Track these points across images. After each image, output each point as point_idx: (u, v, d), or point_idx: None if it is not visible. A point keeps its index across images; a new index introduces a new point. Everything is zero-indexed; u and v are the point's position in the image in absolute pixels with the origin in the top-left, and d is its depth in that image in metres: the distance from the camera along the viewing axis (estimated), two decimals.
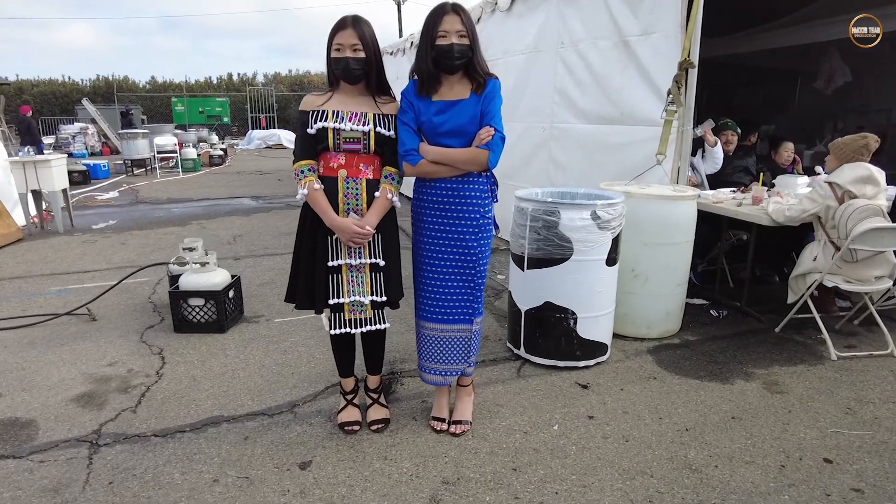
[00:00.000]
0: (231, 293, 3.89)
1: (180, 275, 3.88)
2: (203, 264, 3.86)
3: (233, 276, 4.00)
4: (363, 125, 2.37)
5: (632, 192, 3.52)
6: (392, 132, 2.40)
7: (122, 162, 14.74)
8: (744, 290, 4.20)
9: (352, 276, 2.48)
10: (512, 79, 5.89)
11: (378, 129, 2.39)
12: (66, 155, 8.76)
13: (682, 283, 3.68)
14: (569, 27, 4.99)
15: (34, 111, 22.41)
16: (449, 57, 2.26)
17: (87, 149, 18.95)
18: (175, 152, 14.46)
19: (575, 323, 3.14)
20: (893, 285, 3.81)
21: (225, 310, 3.76)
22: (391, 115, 2.43)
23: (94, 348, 3.58)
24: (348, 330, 2.49)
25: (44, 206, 7.33)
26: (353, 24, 2.34)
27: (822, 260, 3.53)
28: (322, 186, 2.37)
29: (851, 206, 3.45)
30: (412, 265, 2.57)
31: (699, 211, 3.73)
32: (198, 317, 3.75)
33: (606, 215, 3.04)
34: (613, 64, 4.48)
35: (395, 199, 2.46)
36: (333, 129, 2.34)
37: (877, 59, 6.76)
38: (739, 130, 5.11)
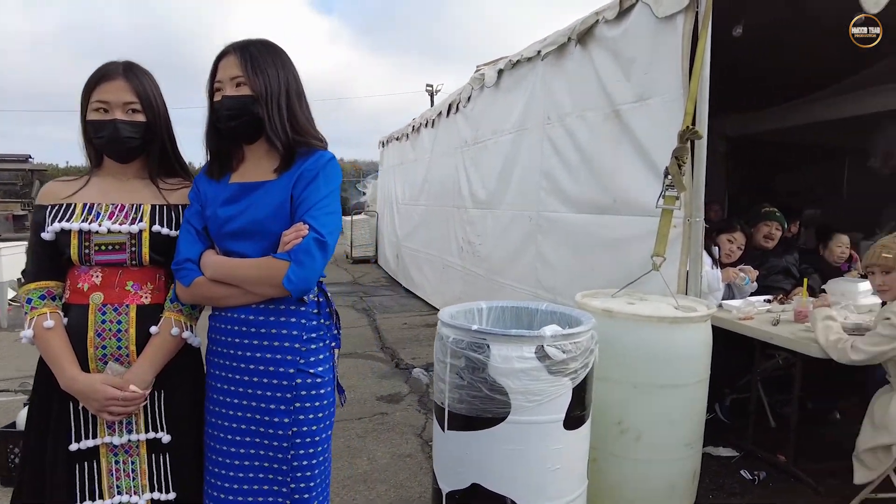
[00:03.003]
0: None
1: None
2: None
3: None
4: (132, 223, 1.49)
5: (614, 310, 2.49)
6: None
7: None
8: (790, 436, 3.01)
9: (116, 463, 1.52)
10: (500, 161, 5.05)
11: (157, 227, 1.50)
12: None
13: (692, 442, 2.55)
14: (555, 99, 4.16)
15: None
16: (220, 118, 1.39)
17: None
18: None
19: None
20: None
21: None
22: (181, 207, 1.55)
23: None
24: None
25: None
26: (126, 73, 1.51)
27: None
28: (56, 323, 1.47)
29: None
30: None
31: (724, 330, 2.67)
32: None
33: (560, 353, 2.00)
34: (604, 140, 3.56)
35: (189, 334, 1.54)
36: (79, 231, 1.47)
37: None
38: (786, 224, 4.05)
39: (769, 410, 3.59)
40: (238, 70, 1.37)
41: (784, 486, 2.93)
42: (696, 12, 2.84)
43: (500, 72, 5.10)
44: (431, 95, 26.23)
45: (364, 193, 15.11)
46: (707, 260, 3.44)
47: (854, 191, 7.35)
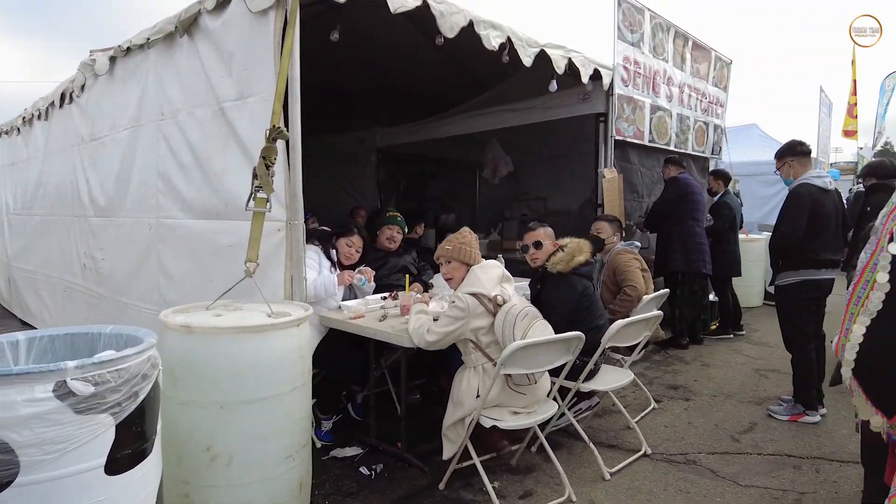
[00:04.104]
0: None
1: None
2: None
3: None
4: None
5: (193, 325, 2.23)
6: None
7: None
8: (401, 426, 3.19)
9: None
10: (118, 161, 4.35)
11: None
12: None
13: (294, 453, 2.44)
14: (168, 94, 3.71)
15: None
16: None
17: None
18: None
19: None
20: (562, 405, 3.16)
21: None
22: None
23: None
24: None
25: None
26: None
27: (485, 393, 2.65)
28: None
29: (511, 313, 2.68)
30: None
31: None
32: None
33: (88, 386, 1.65)
34: (214, 139, 3.29)
35: None
36: None
37: (527, 149, 6.99)
38: (406, 227, 4.33)
39: (397, 400, 3.80)
40: None
41: (400, 475, 3.07)
42: (286, 10, 2.77)
43: (113, 59, 4.40)
44: None
45: None
46: (326, 263, 3.45)
47: (484, 197, 8.56)
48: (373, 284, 3.60)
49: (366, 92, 6.28)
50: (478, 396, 2.64)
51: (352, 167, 8.05)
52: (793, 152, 3.78)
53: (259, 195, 2.52)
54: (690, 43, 6.48)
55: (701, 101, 6.89)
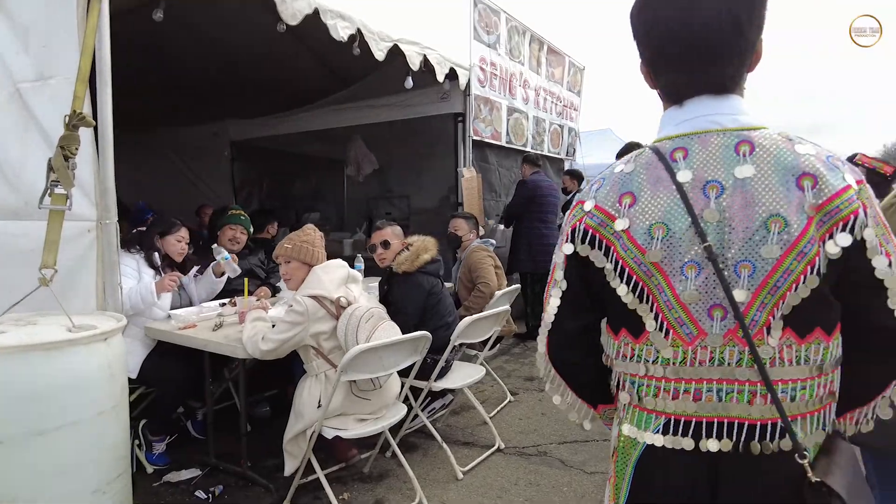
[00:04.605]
0: None
1: None
2: None
3: None
4: None
5: None
6: None
7: None
8: (242, 443, 2.95)
9: None
10: None
11: None
12: None
13: (103, 486, 2.13)
14: None
15: None
16: None
17: None
18: None
19: None
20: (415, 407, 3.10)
21: None
22: None
23: None
24: None
25: None
26: None
27: (327, 402, 2.50)
28: None
29: (354, 316, 2.55)
30: None
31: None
32: None
33: None
34: (10, 126, 2.81)
35: None
36: None
37: (392, 146, 6.92)
38: (251, 228, 4.04)
39: (244, 415, 3.53)
40: None
41: (241, 495, 2.84)
42: None
43: None
44: None
45: None
46: (148, 272, 3.10)
47: (352, 196, 8.36)
48: (236, 259, 3.37)
49: (216, 81, 5.84)
50: (319, 406, 2.49)
51: (203, 162, 7.49)
52: (627, 151, 4.02)
53: (57, 191, 2.17)
54: (546, 47, 6.75)
55: (556, 104, 7.22)
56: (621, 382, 1.13)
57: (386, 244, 3.35)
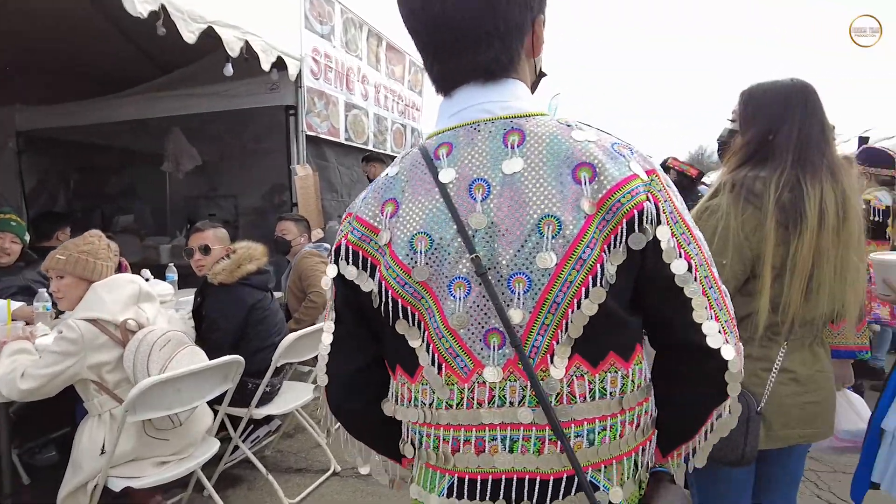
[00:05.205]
0: None
1: None
2: None
3: None
4: None
5: None
6: None
7: None
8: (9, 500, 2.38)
9: None
10: None
11: None
12: None
13: None
14: None
15: None
16: None
17: None
18: None
19: None
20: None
21: None
22: None
23: None
24: None
25: None
26: None
27: (111, 448, 2.05)
28: None
29: (146, 342, 2.12)
30: None
31: None
32: None
33: None
34: None
35: None
36: None
37: (217, 140, 6.33)
38: (27, 235, 3.33)
39: (20, 464, 2.89)
40: None
41: None
42: None
43: None
44: None
45: None
46: None
47: (175, 195, 7.51)
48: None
49: None
50: (103, 453, 2.04)
51: None
52: None
53: None
54: (385, 43, 6.56)
55: (398, 102, 7.07)
56: (407, 432, 0.94)
57: (206, 249, 2.91)
